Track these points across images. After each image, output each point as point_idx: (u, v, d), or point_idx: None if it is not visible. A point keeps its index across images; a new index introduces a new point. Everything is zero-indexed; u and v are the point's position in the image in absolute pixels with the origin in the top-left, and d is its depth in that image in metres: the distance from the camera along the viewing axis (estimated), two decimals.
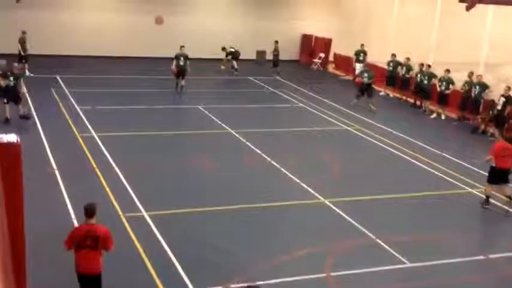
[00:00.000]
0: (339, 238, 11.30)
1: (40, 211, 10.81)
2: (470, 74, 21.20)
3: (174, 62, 23.02)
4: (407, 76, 24.28)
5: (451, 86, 21.67)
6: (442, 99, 22.00)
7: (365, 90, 22.57)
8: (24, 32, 23.80)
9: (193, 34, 30.15)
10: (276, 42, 28.60)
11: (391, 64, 25.04)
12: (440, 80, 22.03)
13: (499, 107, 19.24)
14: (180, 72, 23.12)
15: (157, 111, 20.20)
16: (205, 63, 29.38)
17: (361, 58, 27.30)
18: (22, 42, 23.70)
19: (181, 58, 22.99)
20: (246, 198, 12.86)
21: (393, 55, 25.14)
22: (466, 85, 21.16)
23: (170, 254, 10.04)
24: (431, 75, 22.64)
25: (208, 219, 11.80)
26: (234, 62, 27.83)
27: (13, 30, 25.92)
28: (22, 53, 23.67)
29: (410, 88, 24.13)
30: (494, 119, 19.53)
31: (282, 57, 28.66)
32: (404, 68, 24.38)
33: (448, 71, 21.83)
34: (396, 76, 24.86)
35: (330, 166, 15.67)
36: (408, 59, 24.25)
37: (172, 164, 14.83)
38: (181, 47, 23.31)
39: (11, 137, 2.82)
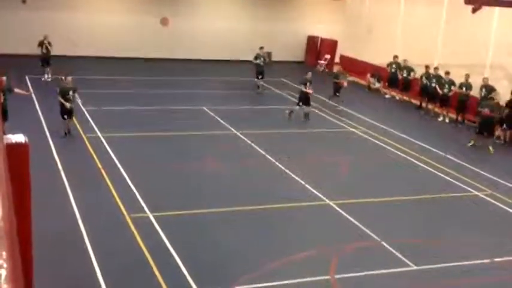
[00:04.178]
0: (344, 240, 11.29)
1: (46, 212, 10.82)
2: (467, 76, 21.18)
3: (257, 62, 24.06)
4: (409, 78, 24.27)
5: (452, 88, 21.60)
6: (445, 102, 21.93)
7: (487, 125, 18.57)
8: (45, 37, 23.65)
9: (199, 36, 30.26)
10: (261, 48, 24.98)
11: (393, 66, 25.04)
12: (442, 83, 21.95)
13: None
14: (261, 73, 24.08)
15: (163, 112, 20.22)
16: (210, 64, 29.46)
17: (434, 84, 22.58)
18: (40, 45, 23.52)
19: (262, 59, 24.08)
20: (251, 200, 12.86)
21: (395, 57, 25.12)
22: (462, 87, 21.15)
23: (174, 255, 10.04)
24: (439, 78, 22.57)
25: (213, 220, 11.81)
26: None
27: (19, 30, 26.08)
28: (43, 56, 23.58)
29: (413, 90, 24.13)
30: (500, 121, 19.46)
31: (287, 58, 28.32)
32: (405, 70, 24.37)
33: (448, 73, 21.75)
34: (397, 78, 24.85)
35: (335, 168, 15.65)
36: (405, 60, 24.32)
37: (177, 165, 14.85)
38: (261, 48, 24.27)
39: (19, 137, 2.84)
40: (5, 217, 1.67)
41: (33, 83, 22.60)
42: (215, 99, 22.63)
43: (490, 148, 18.29)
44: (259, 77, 24.28)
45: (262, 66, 24.16)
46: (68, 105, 16.27)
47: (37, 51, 23.59)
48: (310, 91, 20.15)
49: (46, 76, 23.51)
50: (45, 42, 23.48)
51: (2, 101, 14.94)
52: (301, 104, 20.23)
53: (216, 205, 12.43)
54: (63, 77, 17.13)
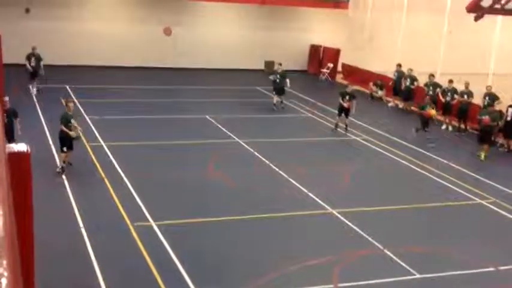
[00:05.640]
0: (347, 249, 11.25)
1: (48, 220, 10.84)
2: (467, 84, 21.17)
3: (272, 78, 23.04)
4: (412, 87, 24.21)
5: (455, 96, 21.59)
6: (447, 110, 21.90)
7: (486, 133, 18.37)
8: (33, 48, 22.46)
9: (201, 45, 30.31)
10: (280, 64, 23.80)
11: (396, 74, 25.01)
12: (444, 90, 21.96)
13: (508, 118, 19.14)
14: (278, 90, 22.95)
15: (165, 121, 20.25)
16: (213, 74, 29.51)
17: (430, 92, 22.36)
18: (28, 58, 22.26)
19: (278, 76, 22.90)
20: (254, 208, 12.84)
21: (398, 65, 25.04)
22: (463, 95, 21.13)
23: (177, 263, 10.02)
24: (436, 86, 22.59)
25: (215, 229, 11.80)
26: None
27: (23, 40, 26.16)
28: (30, 70, 22.29)
29: (416, 98, 24.07)
30: (503, 130, 19.41)
31: (290, 67, 28.28)
32: (408, 79, 24.31)
33: (451, 81, 21.76)
34: (400, 87, 24.80)
35: (338, 176, 15.63)
36: (411, 69, 24.23)
37: (179, 174, 14.84)
38: (279, 64, 23.40)
39: (21, 147, 2.85)
40: (5, 225, 1.67)
41: (36, 93, 22.67)
42: (218, 108, 22.64)
43: (482, 155, 17.92)
44: (274, 93, 23.20)
45: (278, 83, 22.92)
46: (73, 134, 14.45)
47: (30, 63, 22.27)
48: (346, 105, 19.89)
49: (34, 89, 22.42)
50: (35, 53, 22.31)
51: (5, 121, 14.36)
52: (341, 115, 20.15)
53: (219, 214, 12.42)
54: (65, 103, 15.29)
